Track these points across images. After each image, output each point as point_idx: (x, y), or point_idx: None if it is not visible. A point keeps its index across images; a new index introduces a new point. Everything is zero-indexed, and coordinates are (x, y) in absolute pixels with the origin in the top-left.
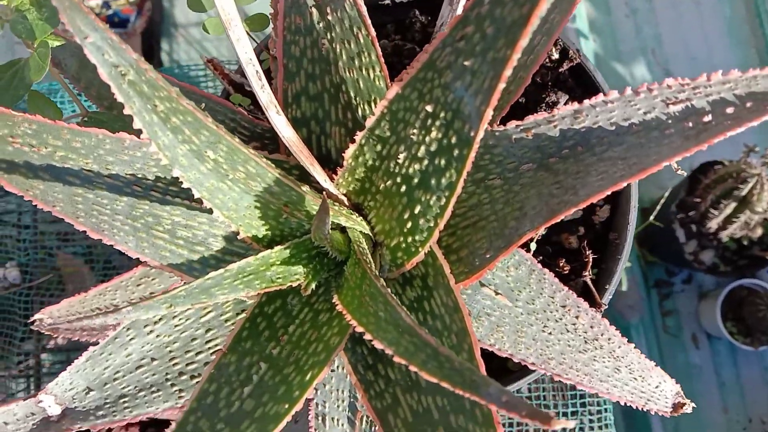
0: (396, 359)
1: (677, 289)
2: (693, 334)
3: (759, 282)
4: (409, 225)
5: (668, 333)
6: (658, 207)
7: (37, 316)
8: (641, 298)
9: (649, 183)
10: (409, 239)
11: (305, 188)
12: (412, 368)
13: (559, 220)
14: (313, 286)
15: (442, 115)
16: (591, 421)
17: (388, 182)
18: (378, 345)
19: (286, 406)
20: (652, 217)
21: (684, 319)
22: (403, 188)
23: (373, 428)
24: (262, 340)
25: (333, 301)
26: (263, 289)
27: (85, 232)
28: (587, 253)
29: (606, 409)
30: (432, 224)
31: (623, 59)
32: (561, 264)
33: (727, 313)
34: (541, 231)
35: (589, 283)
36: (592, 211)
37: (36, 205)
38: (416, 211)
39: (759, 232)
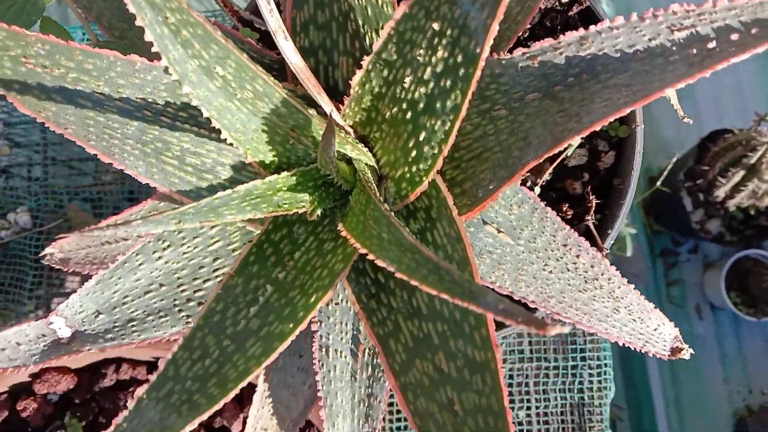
0: (398, 275)
1: (683, 258)
2: (697, 304)
3: (765, 253)
4: (413, 153)
5: (672, 303)
6: (665, 172)
7: (47, 250)
8: (646, 267)
9: (658, 151)
10: (414, 168)
11: (312, 111)
12: (414, 282)
13: (562, 149)
14: (319, 212)
15: (448, 32)
16: (591, 375)
17: (394, 109)
18: (381, 263)
19: (291, 325)
20: (659, 183)
21: (689, 289)
22: (409, 114)
23: (374, 360)
24: (268, 265)
25: (338, 230)
26: (270, 213)
27: (94, 185)
28: (591, 197)
29: (606, 364)
30: (436, 151)
31: None
32: (564, 209)
33: (732, 284)
34: (546, 177)
35: (592, 227)
36: (597, 157)
37: (46, 158)
38: (421, 137)
39: (766, 201)
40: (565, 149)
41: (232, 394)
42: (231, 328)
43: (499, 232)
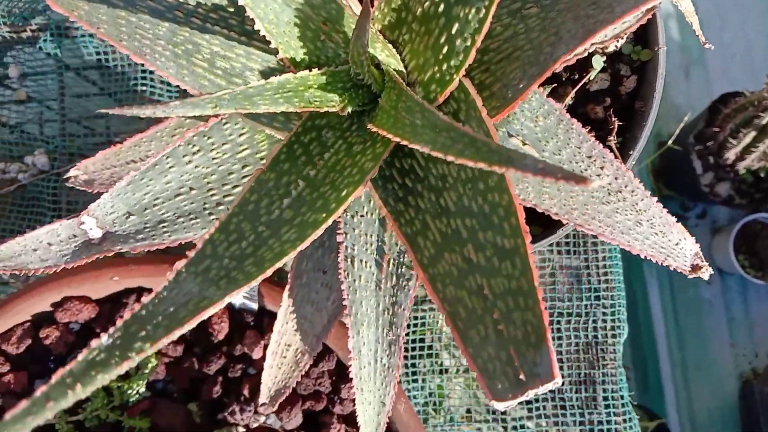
0: (434, 153)
1: (691, 224)
2: None
3: None
4: (445, 49)
5: None
6: (677, 132)
7: (72, 172)
8: None
9: (669, 118)
10: (444, 66)
11: (345, 2)
12: (450, 158)
13: (593, 41)
14: (350, 110)
15: None
16: (604, 314)
17: (426, 3)
18: (415, 146)
19: (324, 215)
20: (670, 141)
21: None
22: (441, 7)
23: (399, 269)
24: (299, 164)
25: (367, 133)
26: (301, 108)
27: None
28: (613, 120)
29: (619, 304)
30: (469, 43)
31: None
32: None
33: (740, 247)
34: (568, 101)
35: (614, 148)
36: (619, 82)
37: (63, 116)
38: (453, 30)
39: None
40: (588, 73)
41: (269, 272)
42: (265, 217)
43: (524, 144)
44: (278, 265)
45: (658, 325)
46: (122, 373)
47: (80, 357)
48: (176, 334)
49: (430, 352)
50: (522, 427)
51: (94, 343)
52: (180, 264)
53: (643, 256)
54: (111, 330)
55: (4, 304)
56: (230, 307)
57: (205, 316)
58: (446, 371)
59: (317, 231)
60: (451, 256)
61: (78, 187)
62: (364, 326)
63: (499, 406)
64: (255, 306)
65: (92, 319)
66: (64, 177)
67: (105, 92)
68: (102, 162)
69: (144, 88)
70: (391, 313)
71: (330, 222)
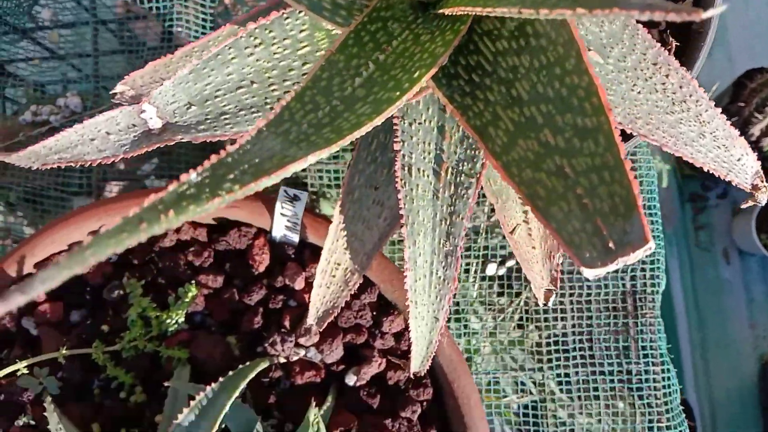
0: (524, 12)
1: (711, 203)
2: (725, 249)
3: None
4: None
5: (700, 247)
6: None
7: (118, 88)
8: (675, 209)
9: None
10: None
11: None
12: (542, 13)
13: None
14: None
15: None
16: (643, 263)
17: None
18: (502, 11)
19: (397, 93)
20: None
21: (716, 234)
22: None
23: (458, 178)
24: (367, 49)
25: (433, 22)
26: None
27: None
28: (670, 40)
29: (658, 253)
30: None
31: None
32: None
33: (762, 227)
34: None
35: None
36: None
37: (96, 56)
38: None
39: None
40: None
41: (347, 140)
42: (338, 93)
43: (589, 50)
44: (356, 134)
45: (678, 305)
46: (211, 210)
47: (170, 188)
48: (263, 183)
49: (459, 309)
50: (536, 381)
51: (183, 177)
52: (261, 123)
53: (706, 170)
54: (199, 169)
55: (40, 233)
56: (271, 240)
57: (288, 172)
58: (473, 333)
59: (391, 107)
60: (526, 142)
61: (124, 104)
62: (420, 236)
63: (588, 273)
64: (296, 238)
65: (130, 250)
66: (111, 92)
67: (134, 48)
68: (151, 74)
69: (180, 29)
70: (448, 223)
71: (404, 100)
